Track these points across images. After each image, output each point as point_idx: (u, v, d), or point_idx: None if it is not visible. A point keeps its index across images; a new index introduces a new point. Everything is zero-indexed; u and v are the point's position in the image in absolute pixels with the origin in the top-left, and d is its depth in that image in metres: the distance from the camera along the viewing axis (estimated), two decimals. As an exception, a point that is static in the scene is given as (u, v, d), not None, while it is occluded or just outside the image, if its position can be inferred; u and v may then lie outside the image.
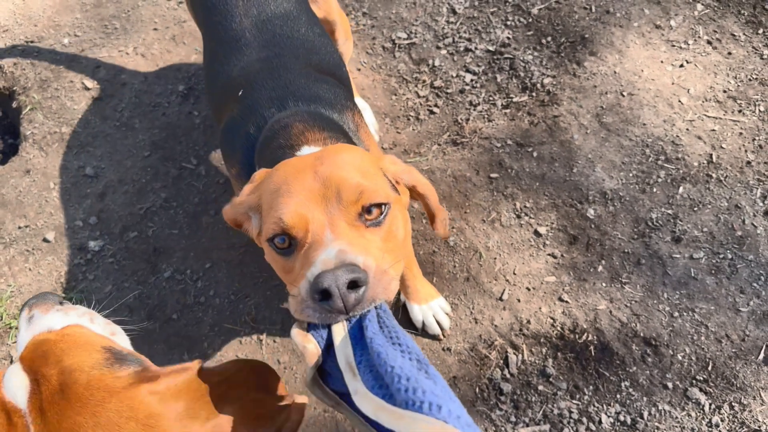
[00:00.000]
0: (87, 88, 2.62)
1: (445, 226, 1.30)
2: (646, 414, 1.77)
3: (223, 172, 2.37)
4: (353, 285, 0.82)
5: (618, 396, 1.81)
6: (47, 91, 2.63)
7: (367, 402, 0.70)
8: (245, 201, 1.10)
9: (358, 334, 0.83)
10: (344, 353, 0.79)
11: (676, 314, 1.93)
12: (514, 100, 2.44)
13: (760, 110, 2.31)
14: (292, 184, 0.96)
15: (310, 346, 0.83)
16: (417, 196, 1.19)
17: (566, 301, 2.00)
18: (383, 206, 0.97)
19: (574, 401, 1.82)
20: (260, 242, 1.08)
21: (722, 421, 1.75)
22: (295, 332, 0.86)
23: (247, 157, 1.43)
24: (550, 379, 1.85)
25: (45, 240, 2.28)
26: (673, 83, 2.41)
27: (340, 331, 0.84)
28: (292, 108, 1.43)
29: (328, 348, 0.85)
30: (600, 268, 2.05)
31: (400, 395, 0.65)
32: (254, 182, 1.13)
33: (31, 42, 2.80)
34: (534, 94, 2.45)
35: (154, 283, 2.16)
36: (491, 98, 2.46)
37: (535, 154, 2.30)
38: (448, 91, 2.51)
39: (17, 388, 0.86)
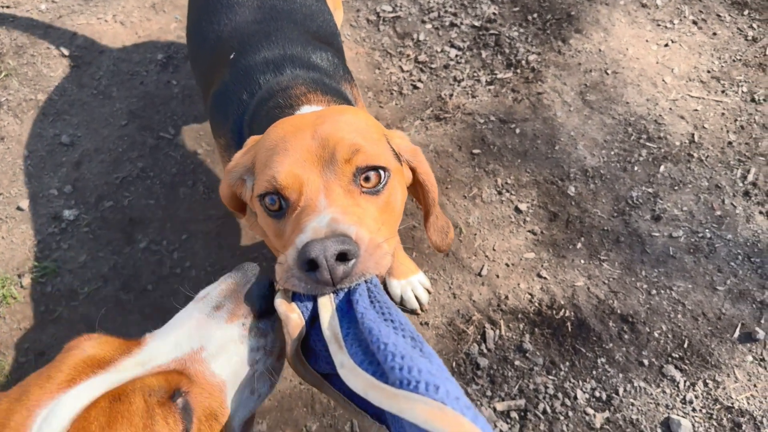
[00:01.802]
0: (64, 56, 2.55)
1: (441, 234, 1.21)
2: (621, 390, 1.77)
3: (200, 143, 2.33)
4: (342, 257, 0.76)
5: (594, 372, 1.80)
6: (23, 58, 2.56)
7: (356, 377, 0.65)
8: (239, 163, 1.02)
9: (345, 308, 0.78)
10: (330, 325, 0.75)
11: (654, 292, 1.93)
12: (499, 76, 2.42)
13: (742, 91, 2.30)
14: (290, 142, 0.90)
15: (294, 317, 0.78)
16: (416, 183, 1.10)
17: (545, 278, 1.99)
18: (382, 173, 0.91)
19: (550, 377, 1.81)
20: (253, 205, 1.01)
21: (696, 397, 1.76)
22: (279, 302, 0.80)
23: (238, 124, 1.35)
24: (527, 355, 1.85)
25: (19, 208, 2.23)
26: (657, 62, 2.40)
27: (326, 304, 0.78)
28: (289, 74, 1.34)
29: (313, 321, 0.80)
30: (579, 245, 2.04)
31: (394, 374, 0.61)
32: (248, 146, 1.06)
33: (7, 7, 2.72)
34: (518, 70, 2.42)
35: (130, 253, 2.12)
36: (475, 74, 2.44)
37: (517, 130, 2.28)
38: (433, 66, 2.48)
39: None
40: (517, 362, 1.84)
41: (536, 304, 1.94)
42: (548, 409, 1.76)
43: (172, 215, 2.18)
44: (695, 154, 2.18)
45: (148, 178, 2.26)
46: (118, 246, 2.14)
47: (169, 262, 2.09)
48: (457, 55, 2.49)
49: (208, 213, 2.18)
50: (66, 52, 2.56)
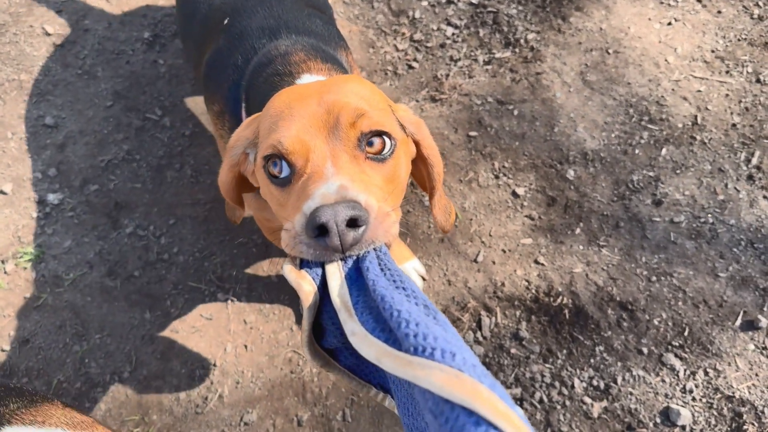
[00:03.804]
0: (48, 34, 2.48)
1: (445, 214, 1.19)
2: (619, 379, 1.74)
3: (188, 124, 2.26)
4: (353, 223, 0.75)
5: (592, 360, 1.78)
6: (5, 36, 2.48)
7: (368, 345, 0.63)
8: (241, 137, 1.01)
9: (354, 276, 0.77)
10: (339, 293, 0.73)
11: (654, 279, 1.89)
12: (497, 55, 2.36)
13: (747, 72, 2.24)
14: (295, 109, 0.89)
15: (306, 285, 0.75)
16: (419, 159, 1.08)
17: (542, 264, 1.95)
18: (386, 140, 0.90)
19: (546, 365, 1.78)
20: (257, 177, 0.99)
21: (696, 387, 1.73)
22: (288, 269, 0.78)
23: (233, 91, 1.32)
24: (523, 343, 1.82)
25: (2, 192, 2.17)
26: (660, 42, 2.34)
27: (334, 271, 0.76)
28: (286, 39, 1.32)
29: (322, 288, 0.78)
30: (578, 231, 2.00)
31: (408, 341, 0.59)
32: (248, 122, 1.03)
33: (-12, -17, 2.63)
34: (517, 50, 2.36)
35: (116, 238, 2.07)
36: (473, 53, 2.37)
37: (515, 112, 2.23)
38: (428, 44, 2.41)
39: None
40: (513, 350, 1.81)
41: (533, 291, 1.90)
42: (545, 398, 1.73)
43: (159, 199, 2.13)
44: (698, 137, 2.13)
45: (134, 161, 2.20)
46: (103, 231, 2.08)
47: (156, 247, 2.04)
48: (453, 34, 2.43)
49: (196, 197, 2.13)
50: (50, 30, 2.48)
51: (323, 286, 0.77)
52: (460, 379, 0.52)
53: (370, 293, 0.70)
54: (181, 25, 1.67)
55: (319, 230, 0.75)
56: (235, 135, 1.02)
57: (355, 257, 0.78)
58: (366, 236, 0.77)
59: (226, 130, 1.37)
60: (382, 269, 0.75)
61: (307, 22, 1.42)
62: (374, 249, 0.79)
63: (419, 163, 1.09)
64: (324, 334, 0.79)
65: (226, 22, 1.42)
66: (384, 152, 0.89)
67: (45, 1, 2.56)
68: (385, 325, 0.66)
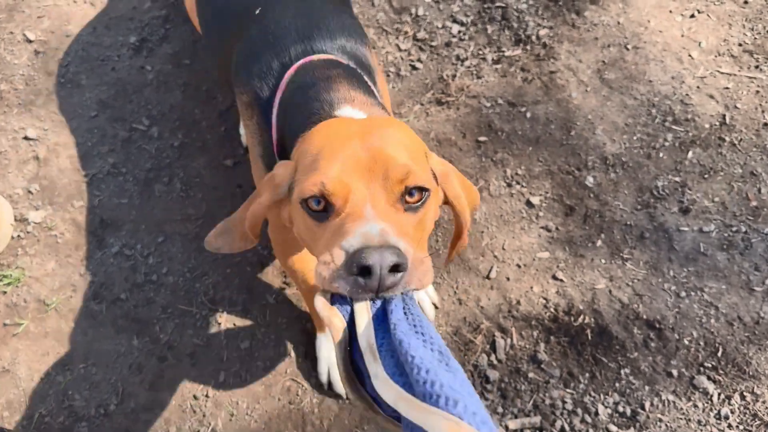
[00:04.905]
0: (29, 41, 2.38)
1: (459, 250, 1.27)
2: (647, 404, 1.66)
3: (177, 134, 2.16)
4: (394, 268, 0.80)
5: (617, 385, 1.69)
6: (-15, 44, 2.38)
7: (388, 389, 0.70)
8: (285, 175, 1.04)
9: (381, 317, 0.82)
10: (366, 335, 0.78)
11: (683, 294, 1.80)
12: (506, 54, 2.27)
13: (779, 66, 2.13)
14: (337, 149, 0.94)
15: (337, 321, 0.80)
16: (449, 204, 1.15)
17: (561, 280, 1.86)
18: (424, 192, 0.96)
19: (568, 390, 1.70)
20: (292, 210, 1.04)
21: (732, 412, 1.64)
22: (321, 303, 0.83)
23: (263, 91, 1.38)
24: (542, 366, 1.73)
25: (-19, 210, 2.05)
26: (682, 35, 2.25)
27: (363, 310, 0.82)
28: (317, 41, 1.39)
29: (350, 326, 0.83)
30: (599, 243, 1.90)
31: (419, 387, 0.66)
32: (288, 163, 1.07)
33: (-32, -12, 2.52)
34: (528, 47, 2.27)
35: (101, 258, 1.96)
36: (481, 52, 2.28)
37: (528, 114, 2.14)
38: (433, 43, 2.32)
39: None
40: (531, 374, 1.73)
41: (552, 310, 1.81)
42: (566, 427, 1.65)
43: (147, 215, 2.02)
44: (727, 138, 2.03)
45: (120, 175, 2.09)
46: (88, 251, 1.98)
47: (144, 267, 1.93)
48: (459, 32, 2.32)
49: (186, 212, 2.02)
50: (31, 36, 2.38)
51: (351, 323, 0.82)
52: (459, 426, 0.60)
53: (392, 334, 0.76)
54: (204, 9, 1.70)
55: (361, 270, 0.79)
56: (281, 173, 1.06)
57: (383, 299, 0.83)
58: (403, 281, 0.82)
59: (254, 122, 1.41)
60: (405, 313, 0.81)
61: (337, 18, 1.47)
62: (402, 293, 0.84)
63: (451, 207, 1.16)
64: (363, 379, 0.82)
65: (257, 11, 1.47)
66: (418, 204, 0.95)
67: (26, 6, 2.44)
68: (402, 369, 0.72)
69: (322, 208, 0.93)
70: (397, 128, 1.03)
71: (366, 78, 1.40)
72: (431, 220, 1.02)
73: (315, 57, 1.37)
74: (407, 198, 0.94)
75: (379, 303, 0.83)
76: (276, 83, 1.37)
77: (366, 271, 0.79)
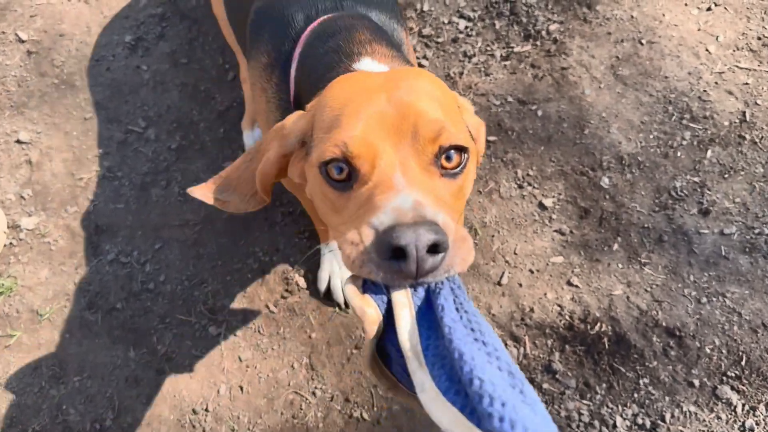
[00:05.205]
0: (21, 41, 2.31)
1: None
2: (668, 416, 1.61)
3: (174, 136, 2.09)
4: (433, 249, 0.69)
5: (635, 395, 1.65)
6: (-23, 44, 2.31)
7: (441, 409, 0.60)
8: (297, 126, 0.94)
9: (424, 308, 0.71)
10: (408, 333, 0.68)
11: (704, 300, 1.75)
12: (516, 50, 2.20)
13: (801, 60, 2.05)
14: (361, 105, 0.83)
15: (370, 311, 0.70)
16: None
17: (576, 286, 1.80)
18: (463, 153, 0.84)
19: (584, 401, 1.65)
20: (308, 171, 0.92)
21: (757, 424, 1.59)
22: (351, 291, 0.73)
23: (284, 45, 1.29)
24: (557, 376, 1.69)
25: (-28, 217, 1.99)
26: (699, 29, 2.17)
27: (404, 302, 0.70)
28: (350, 7, 1.31)
29: (387, 316, 0.73)
30: (615, 247, 1.84)
31: (492, 423, 0.54)
32: (302, 114, 0.97)
33: (-41, -13, 2.45)
34: (538, 42, 2.20)
35: (96, 266, 1.90)
36: (489, 48, 2.21)
37: (539, 113, 2.07)
38: (439, 40, 2.25)
39: None
40: (545, 385, 1.69)
41: (567, 317, 1.76)
42: None
43: (144, 221, 1.96)
44: (747, 136, 1.96)
45: (116, 179, 2.03)
46: (83, 258, 1.91)
47: (140, 275, 1.87)
48: (467, 27, 2.26)
49: (185, 217, 1.95)
50: (24, 36, 2.31)
51: (388, 314, 0.72)
52: None
53: (442, 337, 0.65)
54: None
55: (394, 252, 0.69)
56: (291, 123, 0.96)
57: (425, 285, 0.73)
58: (444, 263, 0.71)
59: (272, 85, 1.31)
60: (457, 309, 0.69)
61: None
62: (447, 279, 0.73)
63: None
64: (389, 360, 0.74)
65: None
66: (458, 168, 0.84)
67: (18, 4, 2.37)
68: (460, 387, 0.61)
69: (345, 177, 0.82)
70: (426, 79, 0.91)
71: (396, 36, 1.31)
72: (470, 186, 0.90)
73: (342, 13, 1.27)
74: (444, 162, 0.83)
75: (421, 292, 0.73)
76: (298, 37, 1.27)
77: (400, 252, 0.69)
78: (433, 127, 0.80)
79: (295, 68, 1.24)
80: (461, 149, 0.84)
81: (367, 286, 0.74)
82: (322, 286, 1.77)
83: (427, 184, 0.79)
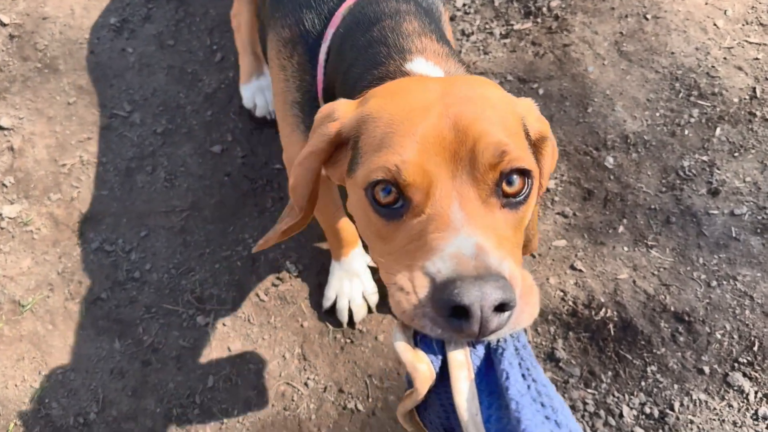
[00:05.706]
0: (3, 24, 2.28)
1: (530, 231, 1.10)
2: (677, 405, 1.59)
3: (161, 120, 2.06)
4: (500, 307, 0.62)
5: (643, 384, 1.62)
6: (-43, 29, 2.27)
7: None
8: (336, 123, 0.86)
9: (483, 368, 0.66)
10: (467, 402, 0.62)
11: (714, 283, 1.72)
12: (516, 27, 2.18)
13: (813, 33, 2.05)
14: (416, 123, 0.75)
15: (422, 368, 0.65)
16: None
17: (580, 270, 1.77)
18: (527, 180, 0.77)
19: (589, 390, 1.63)
20: (351, 188, 0.85)
21: None
22: (403, 347, 0.67)
23: (313, 23, 1.19)
24: (560, 364, 1.66)
25: (-47, 206, 1.97)
26: (706, 3, 2.16)
27: (460, 360, 0.65)
28: None
29: (440, 373, 0.68)
30: (621, 229, 1.82)
31: None
32: (349, 107, 0.88)
33: (-61, -29, 2.41)
34: (539, 19, 2.18)
35: (80, 255, 1.86)
36: (488, 26, 2.20)
37: (541, 91, 2.05)
38: None
39: None
40: (548, 374, 1.68)
41: (570, 303, 1.74)
42: (588, 431, 1.58)
43: (129, 208, 1.92)
44: (758, 113, 1.94)
45: (100, 165, 1.99)
46: (66, 247, 1.87)
47: (126, 264, 1.83)
48: (464, 5, 2.24)
49: (171, 204, 1.91)
50: (5, 20, 2.28)
51: (441, 370, 0.67)
52: None
53: (506, 408, 0.60)
54: None
55: (455, 311, 0.62)
56: (342, 110, 0.87)
57: (486, 342, 0.67)
58: (511, 322, 0.65)
59: (293, 63, 1.22)
60: (524, 376, 0.63)
61: None
62: (511, 336, 0.67)
63: None
64: (425, 406, 0.70)
65: None
66: (521, 194, 0.77)
67: (0, -14, 2.32)
68: None
69: (393, 200, 0.75)
70: (482, 87, 0.83)
71: (441, 24, 1.22)
72: (529, 216, 0.82)
73: None
74: (505, 188, 0.75)
75: (481, 350, 0.67)
76: (330, 15, 1.18)
77: (462, 311, 0.62)
78: (494, 152, 0.73)
79: (324, 52, 1.16)
80: (525, 173, 0.76)
81: (419, 337, 0.70)
82: (327, 304, 1.69)
83: (487, 220, 0.72)
